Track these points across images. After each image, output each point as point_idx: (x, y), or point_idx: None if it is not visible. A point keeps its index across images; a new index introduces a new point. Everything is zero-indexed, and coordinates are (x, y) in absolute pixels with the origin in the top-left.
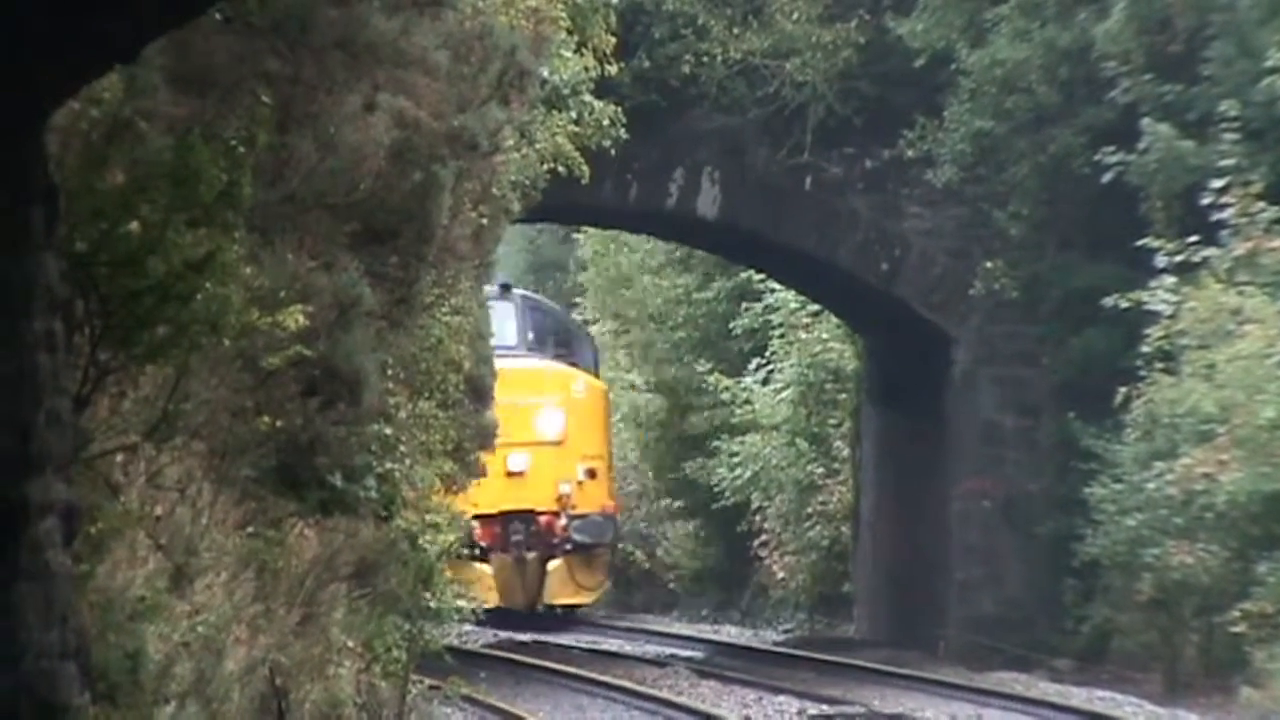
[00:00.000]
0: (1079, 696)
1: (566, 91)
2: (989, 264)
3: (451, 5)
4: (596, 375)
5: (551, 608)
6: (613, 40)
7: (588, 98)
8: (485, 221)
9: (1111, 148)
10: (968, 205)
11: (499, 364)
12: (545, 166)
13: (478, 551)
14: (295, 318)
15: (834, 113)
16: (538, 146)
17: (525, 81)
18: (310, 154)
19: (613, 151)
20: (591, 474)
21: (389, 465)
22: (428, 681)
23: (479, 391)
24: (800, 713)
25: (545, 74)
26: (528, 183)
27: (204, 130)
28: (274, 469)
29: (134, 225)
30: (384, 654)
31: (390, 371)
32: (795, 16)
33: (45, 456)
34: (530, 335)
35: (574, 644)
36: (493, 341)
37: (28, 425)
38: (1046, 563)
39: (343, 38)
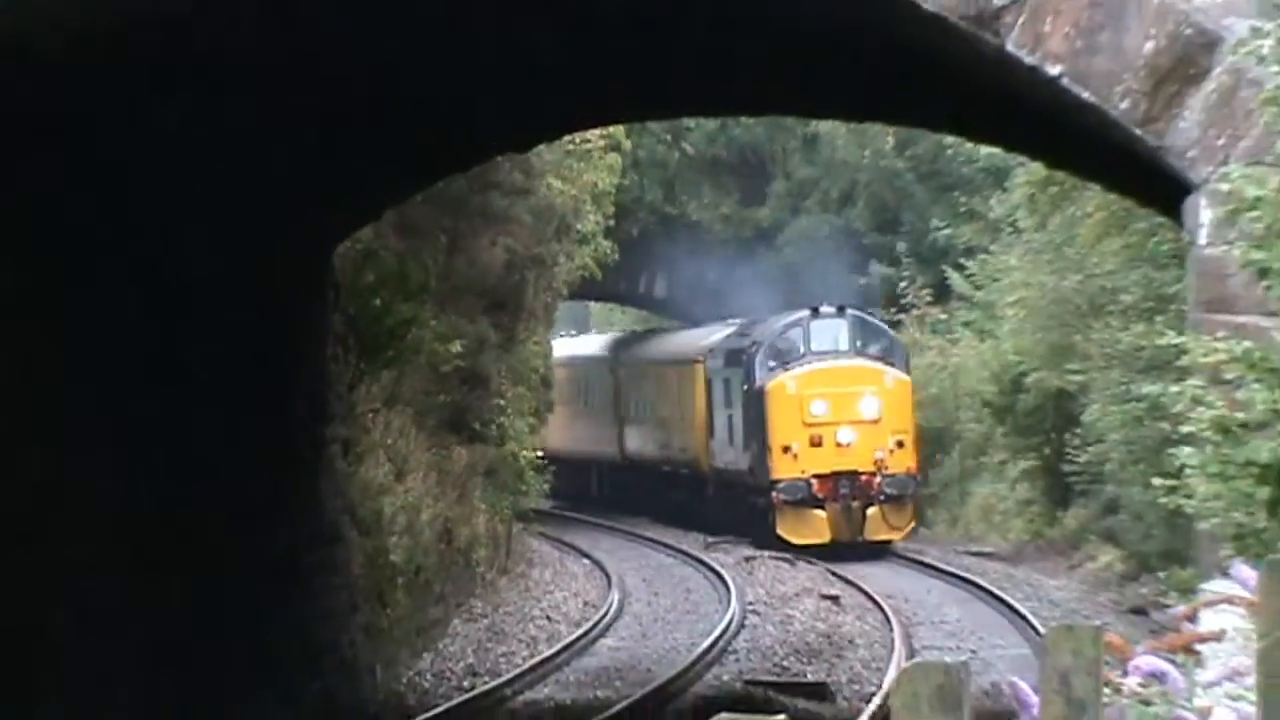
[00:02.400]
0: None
1: (590, 235)
2: None
3: (534, 191)
4: (906, 372)
5: (870, 541)
6: (613, 209)
7: (601, 240)
8: (549, 300)
9: None
10: None
11: (833, 364)
12: (578, 273)
13: (818, 499)
14: (456, 346)
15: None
16: (575, 263)
17: (569, 231)
18: (464, 266)
19: (610, 265)
20: (900, 444)
21: (502, 419)
22: (522, 525)
23: (545, 383)
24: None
25: (579, 227)
26: (569, 280)
27: (411, 254)
28: (446, 420)
29: (376, 301)
30: (500, 512)
31: (502, 373)
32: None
33: (333, 414)
34: (858, 343)
35: (602, 522)
36: (828, 348)
37: (325, 398)
38: None
39: (480, 209)
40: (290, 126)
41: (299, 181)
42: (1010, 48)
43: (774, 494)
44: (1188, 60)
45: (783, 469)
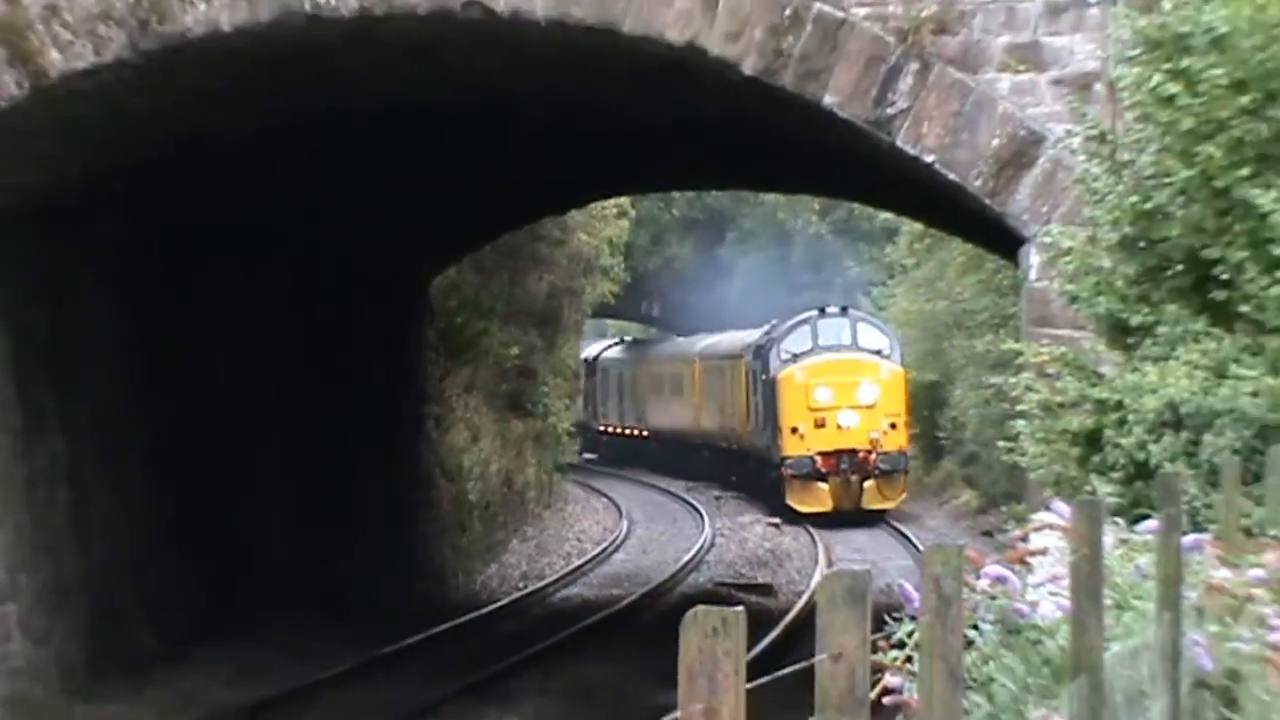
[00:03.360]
0: None
1: (607, 271)
2: None
3: (568, 241)
4: (901, 364)
5: (867, 510)
6: (622, 254)
7: (615, 275)
8: (578, 318)
9: None
10: None
11: (836, 356)
12: (599, 299)
13: (822, 473)
14: (513, 350)
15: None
16: (596, 291)
17: (592, 269)
18: (519, 294)
19: (620, 293)
20: (893, 426)
21: (545, 401)
22: (560, 475)
23: (577, 375)
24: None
25: (599, 266)
26: (592, 304)
27: (483, 286)
28: (507, 402)
29: (458, 319)
30: (544, 464)
31: (546, 369)
32: None
33: (429, 397)
34: (857, 339)
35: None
36: (832, 343)
37: (424, 387)
38: None
39: (531, 254)
40: (411, 205)
41: (411, 239)
42: (899, 143)
43: (783, 469)
44: (1021, 152)
45: (791, 447)
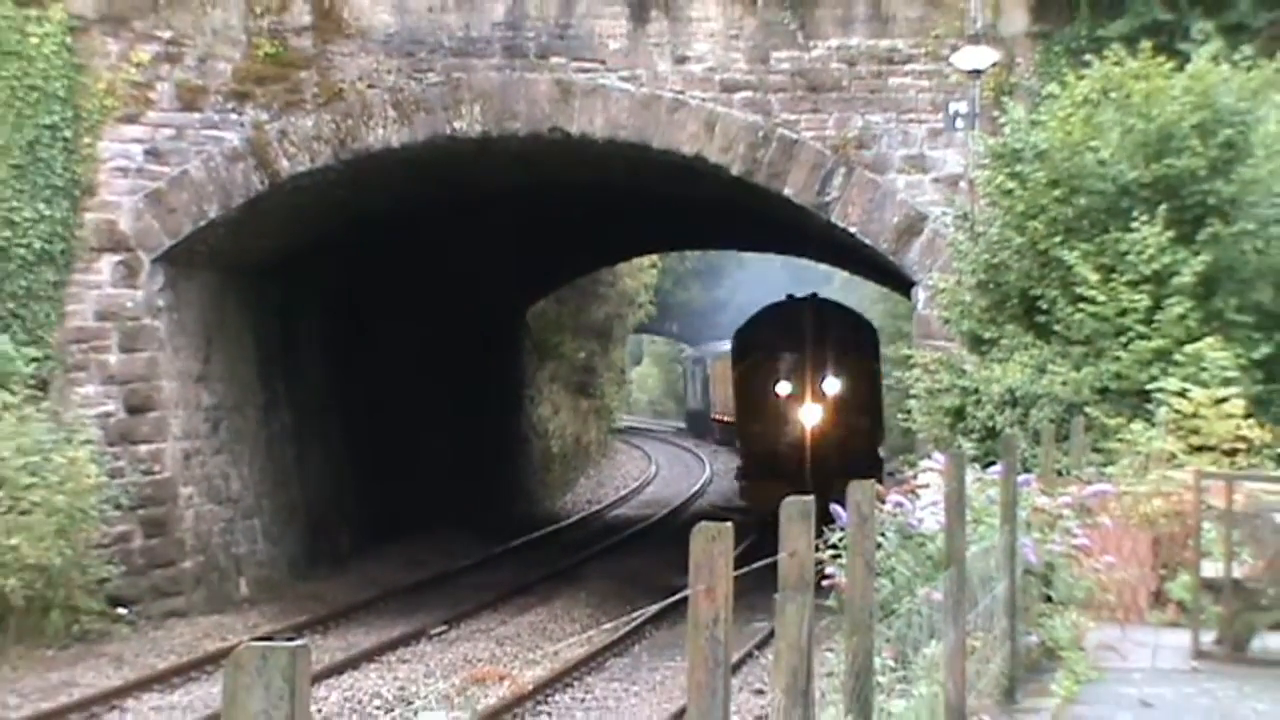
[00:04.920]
0: None
1: (643, 303)
2: None
3: (617, 282)
4: (876, 355)
5: None
6: (653, 290)
7: (649, 302)
8: (623, 333)
9: None
10: None
11: (799, 347)
12: (637, 320)
13: (780, 473)
14: (581, 354)
15: None
16: (636, 316)
17: (633, 301)
18: (586, 317)
19: (652, 316)
20: (859, 424)
21: (602, 387)
22: (612, 435)
23: (624, 373)
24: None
25: (638, 299)
26: (633, 324)
27: (562, 312)
28: (577, 389)
29: (545, 335)
30: (601, 429)
31: (604, 365)
32: None
33: (527, 384)
34: (823, 328)
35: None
36: (796, 333)
37: (523, 375)
38: None
39: (593, 290)
40: (516, 260)
41: (516, 281)
42: (833, 219)
43: (742, 469)
44: (912, 226)
45: (750, 444)
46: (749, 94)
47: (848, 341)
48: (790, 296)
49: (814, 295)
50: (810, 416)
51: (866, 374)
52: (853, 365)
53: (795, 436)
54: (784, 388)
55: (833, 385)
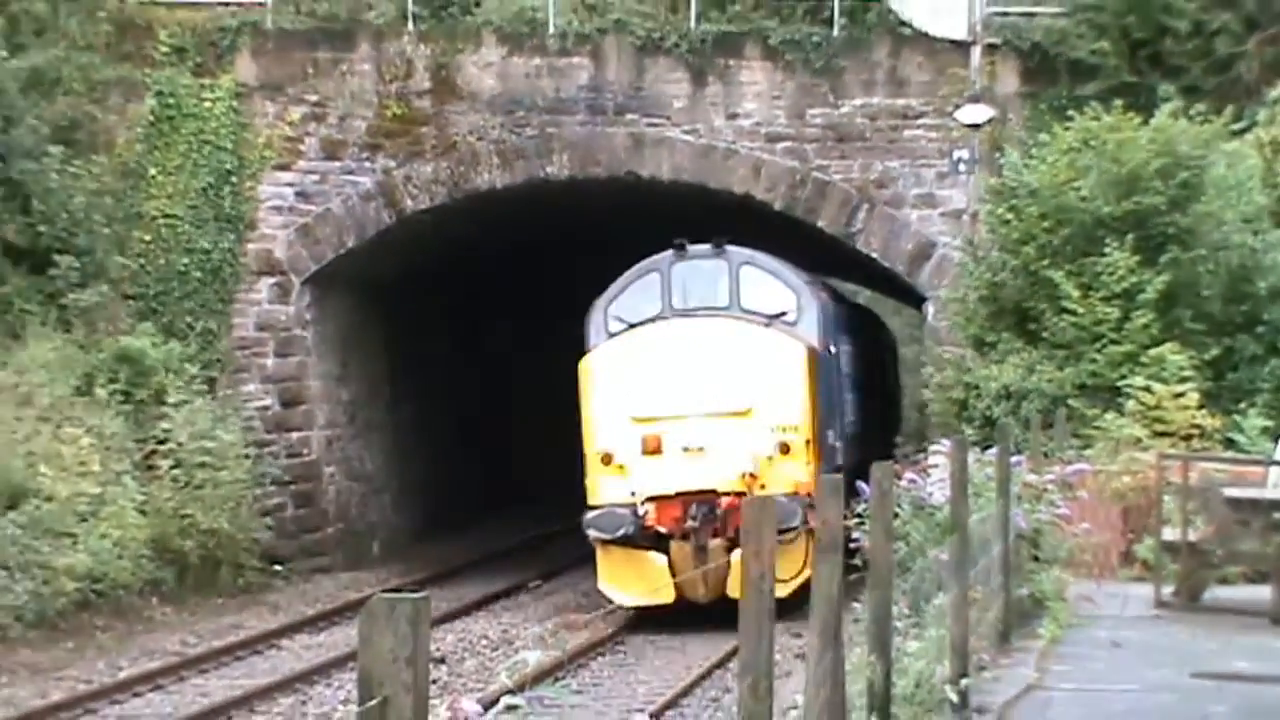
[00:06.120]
0: None
1: None
2: None
3: None
4: (822, 335)
5: (739, 602)
6: None
7: None
8: None
9: None
10: None
11: (690, 325)
12: None
13: (656, 536)
14: None
15: None
16: None
17: None
18: None
19: None
20: (785, 447)
21: None
22: None
23: None
24: None
25: None
26: None
27: None
28: None
29: None
30: None
31: None
32: None
33: None
34: (739, 293)
35: None
36: (695, 303)
37: None
38: None
39: None
40: (596, 278)
41: (592, 294)
42: (859, 246)
43: (587, 528)
44: (923, 252)
45: (601, 488)
46: (789, 144)
47: (778, 313)
48: (680, 246)
49: (721, 243)
50: (705, 440)
51: (795, 365)
52: (775, 351)
53: (679, 476)
54: (658, 393)
55: (742, 389)
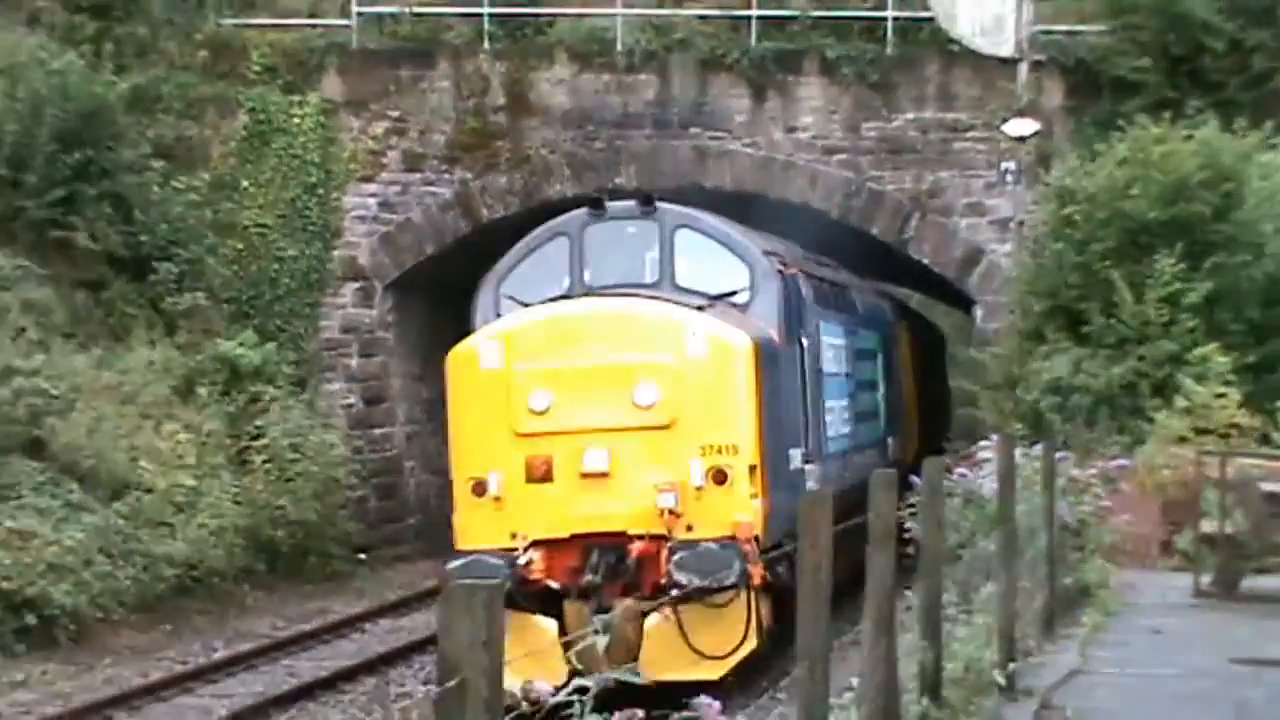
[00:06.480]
0: None
1: None
2: None
3: None
4: (783, 320)
5: (657, 683)
6: None
7: None
8: None
9: None
10: None
11: (595, 308)
12: None
13: (547, 593)
14: None
15: None
16: None
17: None
18: None
19: None
20: (719, 474)
21: None
22: None
23: None
24: None
25: None
26: None
27: None
28: None
29: None
30: None
31: None
32: None
33: None
34: (670, 267)
35: None
36: (614, 279)
37: None
38: None
39: None
40: None
41: None
42: (911, 253)
43: (448, 581)
44: (973, 258)
45: (472, 528)
46: (844, 155)
47: (725, 292)
48: (596, 203)
49: (650, 198)
50: (603, 462)
51: (727, 363)
52: (708, 343)
53: (577, 514)
54: (547, 399)
55: (649, 391)
